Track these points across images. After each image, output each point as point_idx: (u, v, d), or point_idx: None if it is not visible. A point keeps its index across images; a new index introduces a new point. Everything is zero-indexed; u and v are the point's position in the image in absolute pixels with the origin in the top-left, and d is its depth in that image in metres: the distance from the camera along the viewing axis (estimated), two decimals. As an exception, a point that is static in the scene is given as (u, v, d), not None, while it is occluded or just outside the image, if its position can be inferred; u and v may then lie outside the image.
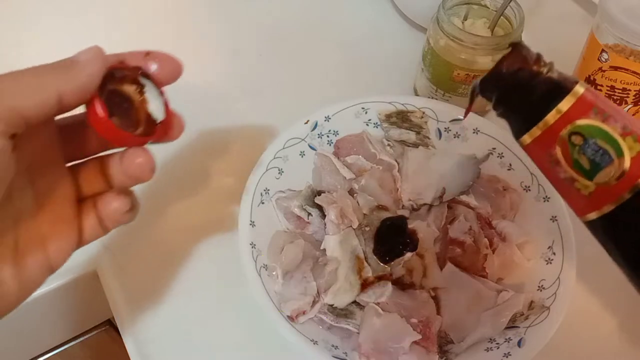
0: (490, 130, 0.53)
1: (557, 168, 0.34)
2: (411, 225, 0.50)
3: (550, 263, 0.46)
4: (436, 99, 0.57)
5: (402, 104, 0.54)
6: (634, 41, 0.47)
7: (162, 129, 0.35)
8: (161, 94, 0.34)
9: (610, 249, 0.36)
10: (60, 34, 0.66)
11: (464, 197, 0.52)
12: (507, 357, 0.42)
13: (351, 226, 0.49)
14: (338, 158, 0.53)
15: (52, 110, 0.30)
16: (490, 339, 0.44)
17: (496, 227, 0.50)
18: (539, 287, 0.46)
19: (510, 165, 0.52)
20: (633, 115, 0.51)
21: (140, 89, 0.34)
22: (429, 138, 0.54)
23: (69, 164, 0.36)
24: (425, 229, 0.50)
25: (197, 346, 0.46)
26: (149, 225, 0.52)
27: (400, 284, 0.47)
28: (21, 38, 0.66)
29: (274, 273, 0.46)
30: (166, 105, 0.35)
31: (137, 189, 0.55)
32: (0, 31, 0.66)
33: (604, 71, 0.50)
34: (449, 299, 0.46)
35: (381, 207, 0.51)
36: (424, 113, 0.54)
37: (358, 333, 0.44)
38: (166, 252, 0.51)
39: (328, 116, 0.53)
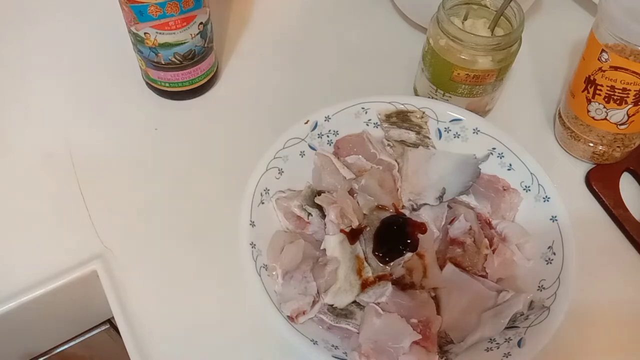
0: (490, 130, 0.53)
1: None
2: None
3: (550, 263, 0.46)
4: (436, 99, 0.57)
5: (402, 104, 0.54)
6: (634, 41, 0.47)
7: None
8: None
9: None
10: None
11: (464, 197, 0.52)
12: (507, 357, 0.42)
13: (351, 226, 0.49)
14: (338, 158, 0.53)
15: None
16: (490, 339, 0.44)
17: (496, 227, 0.50)
18: (539, 287, 0.46)
19: (510, 165, 0.52)
20: (633, 114, 0.51)
21: None
22: (429, 138, 0.54)
23: None
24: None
25: (197, 346, 0.46)
26: (149, 225, 0.52)
27: (400, 284, 0.47)
28: None
29: (274, 273, 0.46)
30: None
31: (137, 189, 0.55)
32: None
33: (604, 71, 0.50)
34: (449, 299, 0.46)
35: (381, 207, 0.51)
36: (424, 113, 0.54)
37: (358, 333, 0.44)
38: (166, 252, 0.51)
39: (328, 116, 0.53)
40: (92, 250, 0.50)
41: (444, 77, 0.55)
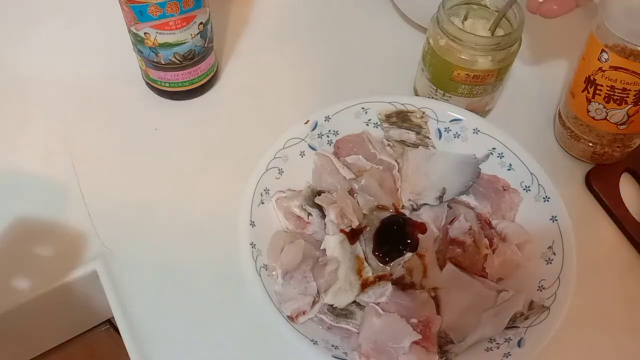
0: (490, 130, 0.53)
1: None
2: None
3: (550, 263, 0.46)
4: (436, 99, 0.57)
5: (402, 104, 0.54)
6: (634, 41, 0.47)
7: None
8: None
9: None
10: (61, 35, 0.66)
11: (464, 197, 0.52)
12: (507, 357, 0.42)
13: (351, 226, 0.49)
14: (338, 158, 0.53)
15: None
16: (490, 339, 0.44)
17: (496, 227, 0.50)
18: (539, 287, 0.46)
19: (510, 165, 0.52)
20: (633, 115, 0.51)
21: None
22: (429, 138, 0.54)
23: None
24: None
25: (197, 346, 0.46)
26: (149, 225, 0.52)
27: (400, 284, 0.47)
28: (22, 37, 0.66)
29: (274, 273, 0.46)
30: None
31: (137, 189, 0.55)
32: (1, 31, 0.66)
33: (604, 71, 0.50)
34: (449, 299, 0.46)
35: (381, 207, 0.51)
36: (424, 113, 0.54)
37: (358, 333, 0.44)
38: (166, 251, 0.51)
39: (328, 116, 0.53)
40: (92, 250, 0.50)
41: (444, 77, 0.55)
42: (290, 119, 0.53)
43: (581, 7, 0.46)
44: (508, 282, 0.48)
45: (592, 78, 0.51)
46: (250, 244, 0.46)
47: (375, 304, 0.45)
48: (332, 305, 0.46)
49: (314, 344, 0.42)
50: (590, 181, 0.56)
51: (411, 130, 0.54)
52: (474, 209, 0.51)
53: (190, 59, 0.56)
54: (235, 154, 0.57)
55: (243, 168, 0.50)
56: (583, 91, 0.53)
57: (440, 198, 0.51)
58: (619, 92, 0.50)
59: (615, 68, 0.49)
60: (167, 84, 0.58)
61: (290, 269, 0.46)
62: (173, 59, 0.56)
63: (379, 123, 0.54)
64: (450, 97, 0.56)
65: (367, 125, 0.54)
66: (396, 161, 0.53)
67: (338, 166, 0.52)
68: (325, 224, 0.49)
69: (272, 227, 0.49)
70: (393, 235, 0.49)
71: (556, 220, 0.48)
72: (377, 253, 0.49)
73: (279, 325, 0.43)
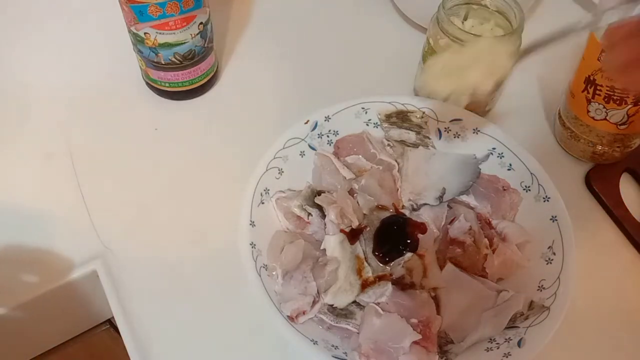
0: (490, 130, 0.53)
1: None
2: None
3: (550, 263, 0.47)
4: (436, 99, 0.57)
5: (402, 104, 0.54)
6: (634, 41, 0.47)
7: None
8: None
9: None
10: (63, 35, 0.66)
11: (464, 197, 0.52)
12: (507, 357, 0.42)
13: (351, 226, 0.49)
14: (338, 158, 0.53)
15: None
16: (490, 339, 0.44)
17: (496, 227, 0.50)
18: (539, 287, 0.46)
19: (510, 165, 0.52)
20: (633, 115, 0.51)
21: None
22: (429, 138, 0.54)
23: None
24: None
25: (197, 346, 0.46)
26: (149, 225, 0.52)
27: (400, 284, 0.47)
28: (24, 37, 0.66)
29: (274, 273, 0.46)
30: None
31: (137, 189, 0.55)
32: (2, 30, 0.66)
33: (604, 71, 0.50)
34: (449, 299, 0.46)
35: (381, 207, 0.51)
36: (424, 113, 0.54)
37: (358, 333, 0.44)
38: (166, 252, 0.51)
39: (328, 116, 0.53)
40: (92, 250, 0.50)
41: (444, 77, 0.55)
42: (290, 119, 0.53)
43: None
44: (508, 282, 0.48)
45: (592, 78, 0.52)
46: (250, 244, 0.46)
47: (375, 304, 0.45)
48: (332, 305, 0.46)
49: (314, 344, 0.42)
50: (590, 181, 0.56)
51: (411, 130, 0.54)
52: (474, 209, 0.51)
53: (190, 59, 0.56)
54: (235, 154, 0.57)
55: (243, 168, 0.50)
56: (583, 91, 0.53)
57: (440, 198, 0.51)
58: (618, 92, 0.50)
59: (615, 68, 0.49)
60: (167, 84, 0.58)
61: (290, 269, 0.46)
62: (173, 59, 0.56)
63: (379, 123, 0.54)
64: (450, 97, 0.56)
65: (367, 125, 0.54)
66: (396, 161, 0.53)
67: (338, 166, 0.52)
68: (325, 224, 0.49)
69: (272, 227, 0.49)
70: (393, 235, 0.49)
71: (556, 220, 0.48)
72: (377, 253, 0.49)
73: (279, 325, 0.43)
